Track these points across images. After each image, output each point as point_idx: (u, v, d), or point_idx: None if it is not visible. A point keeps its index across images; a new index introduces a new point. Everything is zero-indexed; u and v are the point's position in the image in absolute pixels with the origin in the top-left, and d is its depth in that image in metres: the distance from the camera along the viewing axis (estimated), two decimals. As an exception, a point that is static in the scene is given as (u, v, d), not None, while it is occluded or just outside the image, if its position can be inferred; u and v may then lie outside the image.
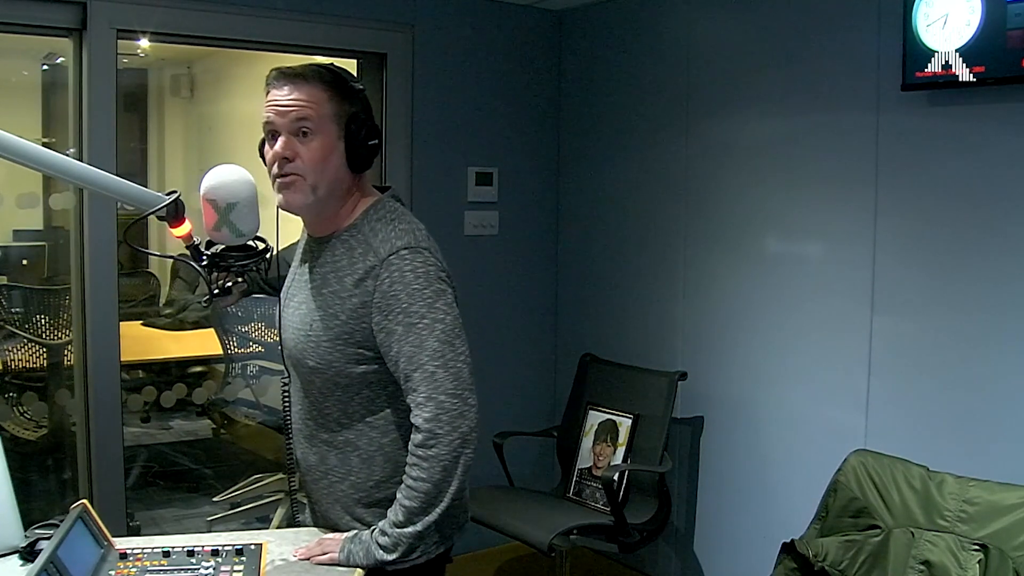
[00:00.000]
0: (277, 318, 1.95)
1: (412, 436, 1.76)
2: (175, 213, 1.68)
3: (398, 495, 1.77)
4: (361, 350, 1.79)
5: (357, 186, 1.86)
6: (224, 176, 1.69)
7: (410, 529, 1.74)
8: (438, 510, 1.74)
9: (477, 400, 1.80)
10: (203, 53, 6.19)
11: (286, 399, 1.97)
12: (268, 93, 1.78)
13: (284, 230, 1.91)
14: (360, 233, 1.82)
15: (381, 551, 1.75)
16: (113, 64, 3.07)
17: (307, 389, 1.89)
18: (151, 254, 1.93)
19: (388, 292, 1.74)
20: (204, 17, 3.23)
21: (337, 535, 1.85)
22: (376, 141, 1.82)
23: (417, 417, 1.74)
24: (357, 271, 1.78)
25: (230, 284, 1.84)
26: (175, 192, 1.68)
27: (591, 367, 3.79)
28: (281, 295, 1.98)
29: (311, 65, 1.80)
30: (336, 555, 1.78)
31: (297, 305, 1.88)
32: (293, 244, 2.04)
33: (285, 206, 1.81)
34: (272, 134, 1.78)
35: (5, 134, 1.52)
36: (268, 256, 1.79)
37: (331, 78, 1.78)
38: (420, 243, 1.79)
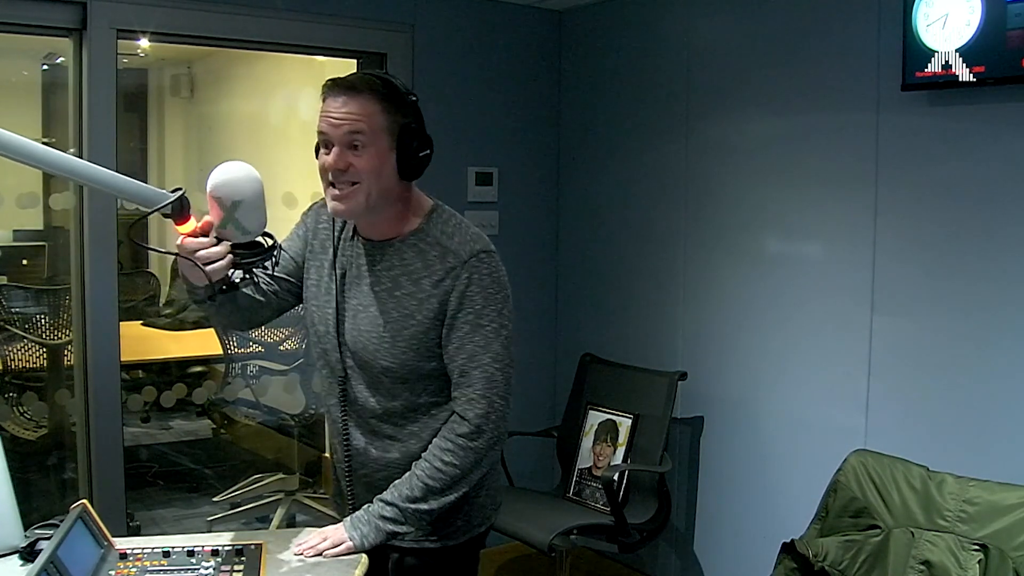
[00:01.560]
0: (325, 318, 1.97)
1: (455, 424, 1.83)
2: (180, 210, 1.68)
3: (418, 472, 1.83)
4: (434, 348, 1.86)
5: (410, 192, 1.95)
6: (230, 173, 1.69)
7: (424, 506, 1.83)
8: (454, 494, 1.84)
9: (511, 404, 1.87)
10: (203, 53, 6.19)
11: (342, 399, 1.98)
12: (324, 102, 1.82)
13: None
14: (430, 236, 1.89)
15: (391, 524, 1.82)
16: (113, 64, 3.07)
17: (375, 387, 1.92)
18: (155, 250, 1.92)
19: (465, 292, 1.81)
20: (204, 17, 3.23)
21: (330, 526, 1.87)
22: (428, 151, 1.94)
23: (468, 411, 1.82)
24: (436, 273, 1.84)
25: (237, 280, 1.83)
26: (180, 189, 1.68)
27: (591, 367, 3.79)
28: (317, 295, 2.00)
29: (366, 75, 1.86)
30: (350, 543, 1.82)
31: (362, 308, 1.91)
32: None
33: (337, 214, 1.87)
34: (326, 144, 1.82)
35: (7, 133, 1.52)
36: (276, 253, 1.79)
37: (384, 90, 1.83)
38: (492, 248, 1.89)
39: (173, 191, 1.67)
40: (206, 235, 1.72)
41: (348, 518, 1.87)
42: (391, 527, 1.83)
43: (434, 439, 1.87)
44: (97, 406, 3.11)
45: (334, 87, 1.81)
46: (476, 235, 1.90)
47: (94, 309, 3.09)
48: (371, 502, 1.87)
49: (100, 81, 3.04)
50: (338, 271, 1.96)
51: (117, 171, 1.65)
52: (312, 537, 1.84)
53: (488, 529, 2.07)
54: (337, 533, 1.84)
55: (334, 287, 1.95)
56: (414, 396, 1.90)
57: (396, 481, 1.86)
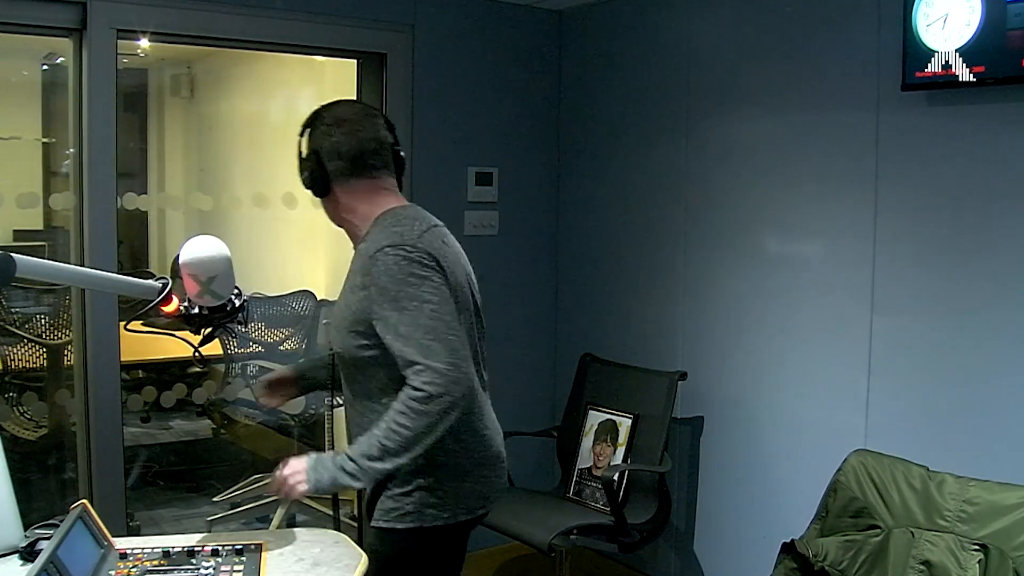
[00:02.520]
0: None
1: (406, 390, 1.94)
2: (166, 295, 1.91)
3: (377, 432, 1.96)
4: (365, 339, 2.03)
5: (357, 207, 2.15)
6: (203, 252, 1.88)
7: (379, 465, 1.95)
8: (407, 456, 1.95)
9: (467, 366, 1.99)
10: (203, 53, 6.18)
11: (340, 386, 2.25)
12: None
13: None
14: (366, 241, 2.08)
15: (347, 476, 1.97)
16: (113, 64, 3.07)
17: (343, 373, 2.17)
18: (153, 332, 2.22)
19: (379, 284, 1.98)
20: (204, 17, 3.23)
21: (298, 460, 2.05)
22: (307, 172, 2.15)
23: (415, 379, 1.93)
24: (362, 270, 2.03)
25: (217, 336, 2.04)
26: (164, 278, 1.90)
27: (591, 367, 3.79)
28: None
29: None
30: (305, 487, 2.01)
31: (338, 302, 2.18)
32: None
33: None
34: None
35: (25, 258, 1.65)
36: (246, 309, 2.00)
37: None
38: (405, 241, 2.01)
39: (158, 279, 1.90)
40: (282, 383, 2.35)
41: (313, 456, 2.03)
42: (347, 480, 1.97)
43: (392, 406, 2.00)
44: (97, 406, 3.11)
45: None
46: (392, 233, 2.04)
47: (94, 309, 3.10)
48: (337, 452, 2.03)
49: (100, 81, 3.04)
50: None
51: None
52: (279, 474, 2.06)
53: (470, 522, 2.12)
54: (299, 469, 2.03)
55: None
56: (366, 382, 2.08)
57: (361, 438, 1.99)
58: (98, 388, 3.11)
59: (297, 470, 2.03)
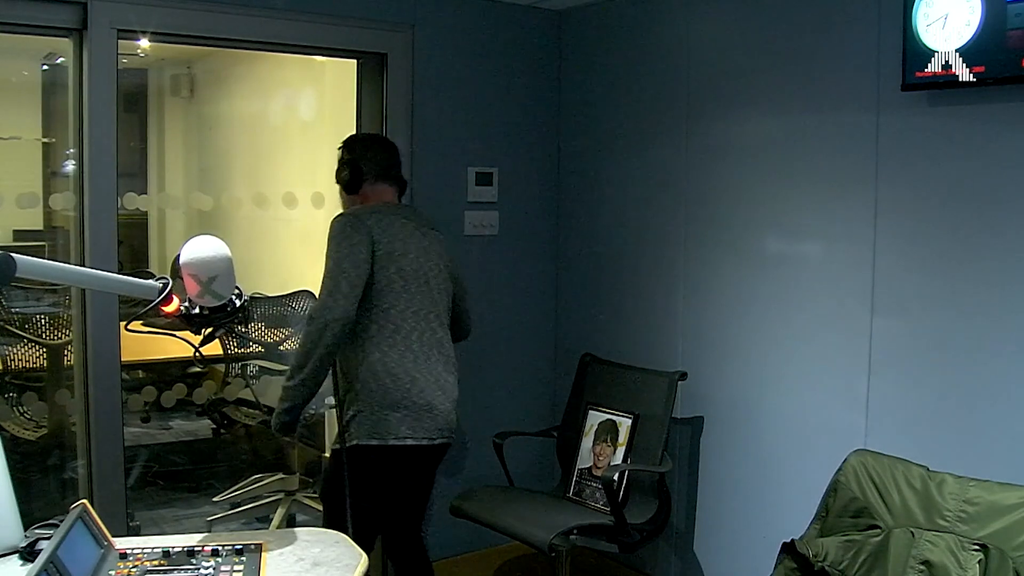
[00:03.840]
0: None
1: None
2: (166, 295, 1.92)
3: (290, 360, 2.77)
4: None
5: (372, 200, 2.98)
6: (203, 252, 1.90)
7: (290, 383, 2.71)
8: (306, 369, 2.67)
9: (345, 303, 2.67)
10: (203, 53, 6.19)
11: None
12: None
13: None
14: None
15: (279, 403, 2.74)
16: (114, 64, 3.07)
17: None
18: (153, 333, 2.46)
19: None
20: (205, 17, 3.23)
21: None
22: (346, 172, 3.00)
23: (312, 307, 2.70)
24: None
25: (217, 336, 2.10)
26: (164, 278, 1.92)
27: (591, 367, 3.79)
28: None
29: None
30: (275, 434, 2.82)
31: None
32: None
33: None
34: None
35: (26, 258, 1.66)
36: (246, 308, 2.06)
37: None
38: (350, 212, 2.88)
39: (158, 279, 1.92)
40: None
41: None
42: (283, 404, 2.72)
43: None
44: (97, 406, 3.11)
45: None
46: (352, 209, 2.93)
47: (94, 309, 3.10)
48: None
49: (100, 81, 3.04)
50: None
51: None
52: None
53: (376, 449, 2.76)
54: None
55: None
56: None
57: None
58: (98, 388, 3.11)
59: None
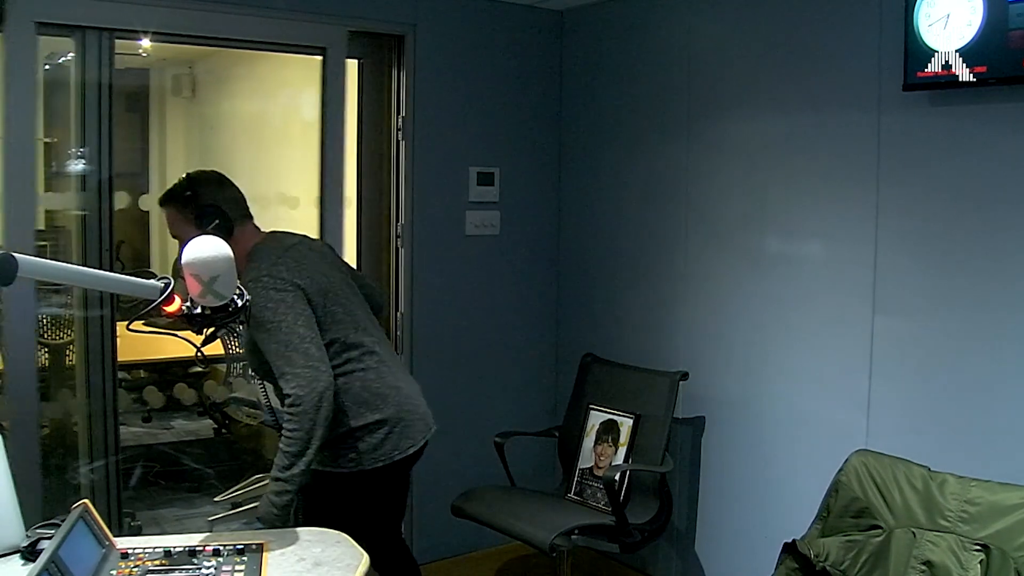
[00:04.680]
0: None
1: (285, 401, 2.41)
2: (168, 295, 1.92)
3: (281, 447, 2.40)
4: (260, 357, 2.52)
5: (239, 243, 2.52)
6: (205, 253, 1.90)
7: (294, 470, 2.39)
8: (311, 449, 2.40)
9: (324, 366, 2.44)
10: (204, 53, 6.19)
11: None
12: None
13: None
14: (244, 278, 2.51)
15: (279, 496, 2.38)
16: (33, 60, 2.89)
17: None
18: (154, 332, 2.55)
19: (252, 314, 2.29)
20: (194, 16, 3.18)
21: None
22: (216, 220, 2.55)
23: (285, 388, 2.41)
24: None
25: (219, 336, 2.12)
26: (166, 278, 1.92)
27: (592, 367, 3.79)
28: None
29: (169, 189, 2.64)
30: (272, 526, 2.36)
31: None
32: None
33: None
34: None
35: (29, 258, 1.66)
36: (247, 308, 2.05)
37: (177, 196, 2.60)
38: (262, 273, 2.50)
39: (160, 279, 1.92)
40: None
41: (259, 511, 2.43)
42: (282, 497, 2.38)
43: None
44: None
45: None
46: (256, 266, 2.54)
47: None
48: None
49: (20, 78, 2.89)
50: None
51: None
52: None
53: (380, 469, 2.63)
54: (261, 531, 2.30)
55: None
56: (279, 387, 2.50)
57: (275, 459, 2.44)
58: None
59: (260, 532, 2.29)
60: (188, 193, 2.60)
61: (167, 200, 2.63)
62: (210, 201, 2.59)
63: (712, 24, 3.45)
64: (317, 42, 3.51)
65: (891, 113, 2.83)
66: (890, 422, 2.87)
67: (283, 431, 2.41)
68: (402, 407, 2.67)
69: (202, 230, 2.46)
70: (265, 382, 2.67)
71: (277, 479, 2.39)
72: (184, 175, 2.65)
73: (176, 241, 2.57)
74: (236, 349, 4.39)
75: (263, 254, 2.58)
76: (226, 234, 2.51)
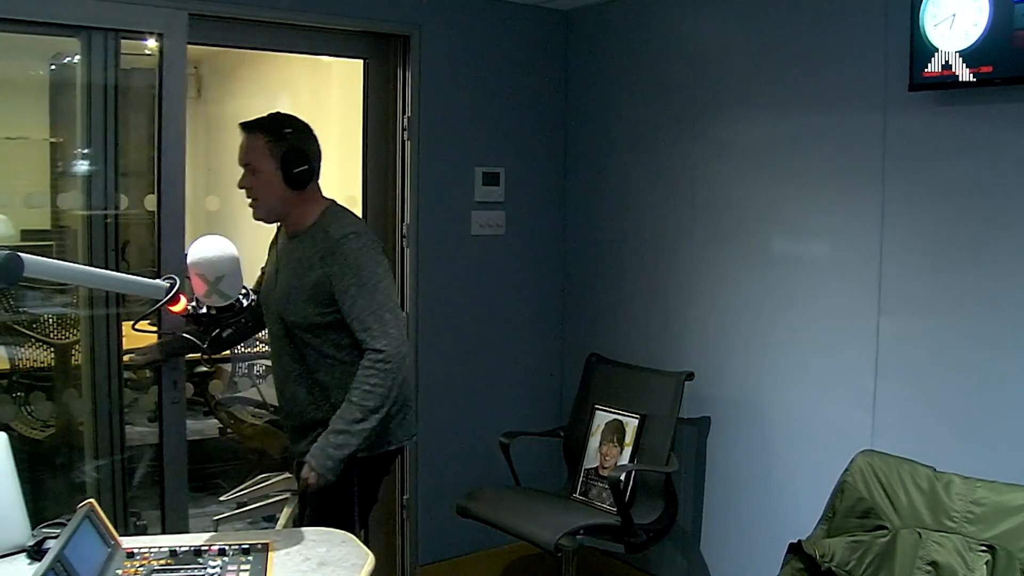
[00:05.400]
0: (266, 293, 2.73)
1: (369, 356, 2.44)
2: (174, 295, 1.92)
3: (353, 399, 2.42)
4: (322, 305, 2.52)
5: (307, 198, 2.60)
6: (210, 252, 1.91)
7: (366, 424, 2.42)
8: (384, 409, 2.44)
9: (404, 330, 2.54)
10: (210, 53, 6.19)
11: (276, 355, 2.73)
12: None
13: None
14: (320, 230, 2.56)
15: (343, 449, 2.40)
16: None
17: (291, 338, 2.61)
18: (155, 332, 2.61)
19: (344, 264, 2.47)
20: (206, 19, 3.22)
21: (305, 467, 2.44)
22: (305, 167, 2.56)
23: (375, 343, 2.44)
24: (319, 251, 2.52)
25: (226, 335, 2.12)
26: (171, 278, 1.92)
27: (598, 367, 3.79)
28: (268, 279, 2.77)
29: (259, 118, 2.70)
30: (325, 480, 2.41)
31: (283, 281, 2.63)
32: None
33: (256, 219, 2.69)
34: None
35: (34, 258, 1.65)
36: (252, 307, 2.05)
37: (269, 125, 2.63)
38: (360, 229, 2.55)
39: (165, 278, 1.92)
40: None
41: (311, 455, 2.42)
42: (346, 450, 2.40)
43: (356, 375, 2.45)
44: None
45: (239, 127, 2.69)
46: (350, 223, 2.57)
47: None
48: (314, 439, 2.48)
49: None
50: (276, 259, 2.73)
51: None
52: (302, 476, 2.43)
53: (398, 450, 2.69)
54: (308, 474, 2.41)
55: (275, 271, 2.70)
56: (321, 344, 2.55)
57: (336, 414, 2.44)
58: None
59: (308, 475, 2.42)
60: (288, 130, 2.60)
61: (257, 127, 2.62)
62: (303, 146, 2.59)
63: (718, 24, 3.44)
64: (385, 48, 3.60)
65: (897, 113, 2.83)
66: (895, 422, 2.87)
67: (359, 386, 2.43)
68: (409, 395, 2.74)
69: (284, 170, 2.54)
70: (287, 345, 2.62)
71: (342, 431, 2.41)
72: (275, 111, 2.68)
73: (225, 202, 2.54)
74: (241, 349, 4.40)
75: (348, 216, 2.63)
76: (302, 185, 2.57)
